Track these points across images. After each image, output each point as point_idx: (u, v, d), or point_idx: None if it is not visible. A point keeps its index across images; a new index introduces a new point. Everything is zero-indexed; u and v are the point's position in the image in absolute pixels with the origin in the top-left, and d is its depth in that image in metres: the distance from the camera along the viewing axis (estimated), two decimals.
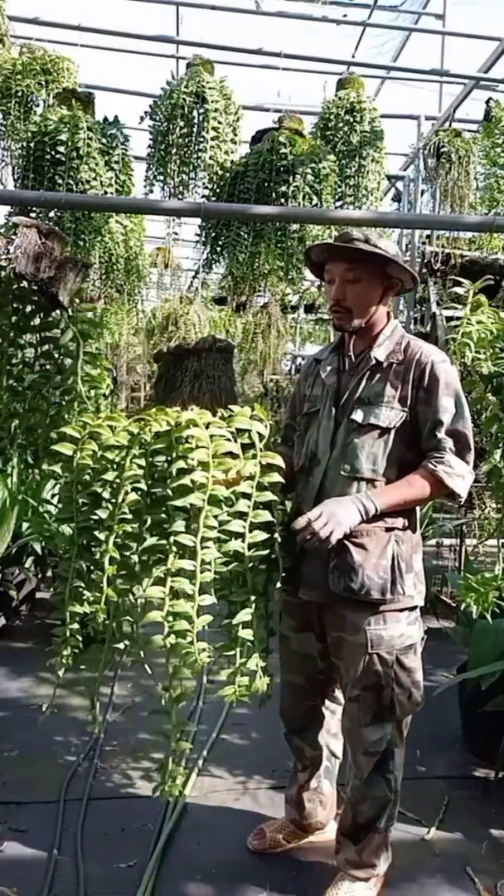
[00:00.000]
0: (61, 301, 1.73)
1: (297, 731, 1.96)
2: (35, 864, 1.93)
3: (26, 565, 3.90)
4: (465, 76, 4.69)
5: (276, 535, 1.71)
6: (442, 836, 2.12)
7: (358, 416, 1.72)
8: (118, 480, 1.57)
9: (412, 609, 1.75)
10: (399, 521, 1.70)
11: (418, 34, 5.33)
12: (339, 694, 1.92)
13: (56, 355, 1.83)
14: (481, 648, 2.52)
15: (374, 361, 1.75)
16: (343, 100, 3.77)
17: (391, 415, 1.70)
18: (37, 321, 1.84)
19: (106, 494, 1.60)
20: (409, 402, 1.71)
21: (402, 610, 1.71)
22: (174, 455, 1.59)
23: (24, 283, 1.78)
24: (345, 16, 5.18)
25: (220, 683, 1.71)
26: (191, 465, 1.59)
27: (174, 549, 1.58)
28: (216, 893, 1.85)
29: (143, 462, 1.59)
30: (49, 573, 4.23)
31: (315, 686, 1.91)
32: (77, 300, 1.82)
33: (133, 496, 1.58)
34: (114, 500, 1.59)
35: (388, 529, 1.69)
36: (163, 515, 1.59)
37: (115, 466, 1.59)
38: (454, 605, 3.75)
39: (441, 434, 1.68)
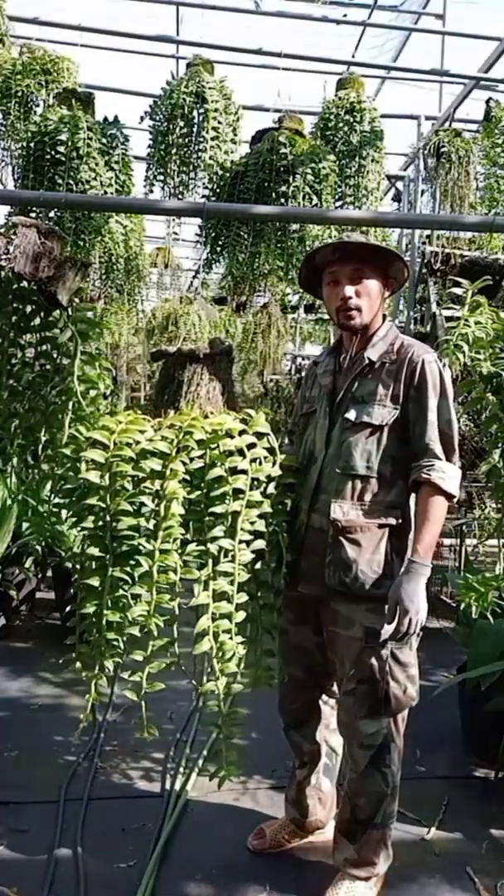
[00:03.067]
0: (60, 300, 1.73)
1: (295, 726, 1.97)
2: (35, 864, 1.93)
3: (26, 565, 3.90)
4: (465, 76, 4.69)
5: (281, 531, 1.78)
6: (442, 836, 2.12)
7: (351, 414, 1.76)
8: (163, 488, 1.60)
9: None
10: (392, 519, 1.74)
11: (418, 34, 5.33)
12: (336, 689, 1.93)
13: (54, 355, 1.83)
14: (481, 648, 2.51)
15: (367, 362, 1.80)
16: (343, 100, 3.77)
17: (383, 412, 1.74)
18: (37, 321, 1.84)
19: (147, 500, 1.61)
20: (401, 400, 1.75)
21: None
22: (215, 462, 1.64)
23: (24, 283, 1.78)
24: (345, 16, 5.18)
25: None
26: (228, 472, 1.65)
27: (214, 552, 1.65)
28: (216, 893, 1.85)
29: (180, 468, 1.62)
30: (49, 573, 4.23)
31: (314, 679, 1.93)
32: (77, 300, 1.82)
33: (176, 504, 1.61)
34: (157, 508, 1.61)
35: (382, 526, 1.72)
36: (206, 519, 1.65)
37: (155, 474, 1.61)
38: (454, 605, 3.74)
39: (429, 437, 1.72)
